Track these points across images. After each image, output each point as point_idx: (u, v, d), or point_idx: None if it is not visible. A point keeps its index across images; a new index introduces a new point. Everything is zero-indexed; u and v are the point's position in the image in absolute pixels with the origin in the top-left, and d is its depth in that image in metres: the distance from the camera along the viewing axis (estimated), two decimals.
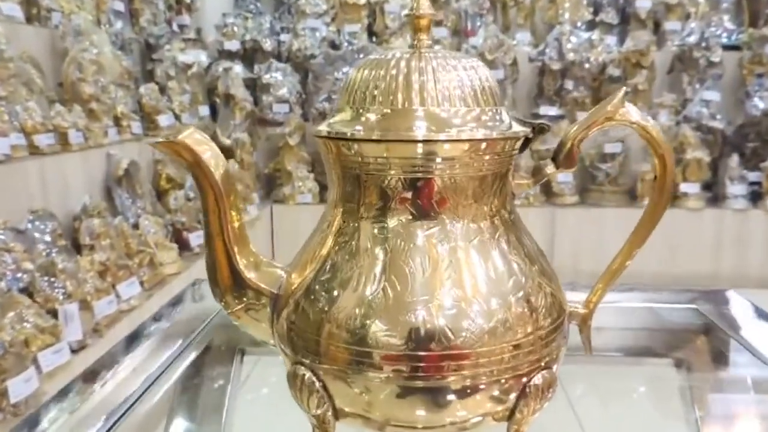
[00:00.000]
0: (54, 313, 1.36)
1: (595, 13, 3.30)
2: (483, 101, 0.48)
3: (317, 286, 0.47)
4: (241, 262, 0.48)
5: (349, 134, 0.46)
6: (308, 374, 0.46)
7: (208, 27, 3.32)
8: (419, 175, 0.46)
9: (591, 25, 3.28)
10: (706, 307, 0.71)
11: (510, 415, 0.48)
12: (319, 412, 0.47)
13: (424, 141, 0.45)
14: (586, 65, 3.09)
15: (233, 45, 3.18)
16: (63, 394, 0.69)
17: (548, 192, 2.94)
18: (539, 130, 0.49)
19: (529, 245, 0.50)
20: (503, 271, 0.47)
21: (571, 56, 3.08)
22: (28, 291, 1.36)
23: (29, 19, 2.11)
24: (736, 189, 2.82)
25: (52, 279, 1.38)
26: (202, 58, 3.10)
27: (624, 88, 0.51)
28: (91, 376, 0.73)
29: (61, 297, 1.37)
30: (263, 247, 2.75)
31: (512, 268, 0.47)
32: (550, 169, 0.51)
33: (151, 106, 2.38)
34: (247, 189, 2.67)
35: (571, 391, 0.66)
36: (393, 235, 0.46)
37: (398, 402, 0.45)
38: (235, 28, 3.22)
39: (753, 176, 2.85)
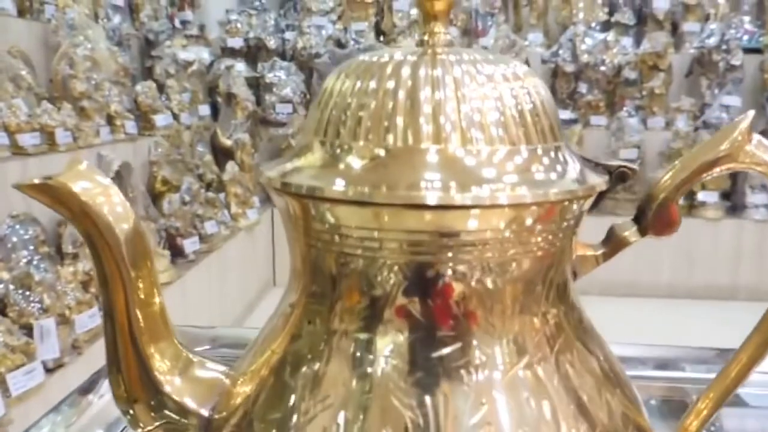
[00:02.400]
0: (29, 329, 1.27)
1: (611, 13, 3.20)
2: (536, 132, 0.30)
3: (261, 423, 0.30)
4: (160, 368, 0.32)
5: (310, 189, 0.29)
6: None
7: (212, 24, 3.23)
8: (428, 261, 0.28)
9: (606, 26, 3.18)
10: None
11: None
12: None
13: (438, 207, 0.27)
14: (601, 67, 2.98)
15: (236, 42, 3.10)
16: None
17: None
18: (619, 177, 0.33)
19: (602, 356, 0.33)
20: (568, 413, 0.29)
21: (585, 58, 2.98)
22: (2, 303, 1.27)
23: (21, 12, 2.03)
24: (756, 198, 2.71)
25: (28, 292, 1.29)
26: (205, 55, 3.01)
27: (751, 111, 0.34)
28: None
29: (36, 311, 1.28)
30: (263, 253, 2.65)
31: (581, 403, 0.30)
32: (632, 235, 0.34)
33: (147, 104, 2.28)
34: (247, 192, 2.58)
35: None
36: (384, 363, 0.29)
37: None
38: (239, 25, 3.14)
39: None
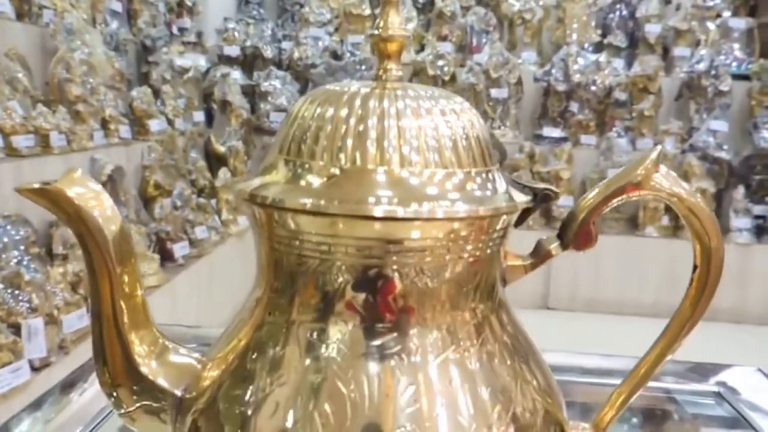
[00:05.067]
0: (17, 328, 1.29)
1: (604, 35, 3.25)
2: (468, 157, 0.35)
3: (229, 400, 0.34)
4: (139, 351, 0.36)
5: (275, 201, 0.33)
6: None
7: (209, 31, 3.26)
8: (374, 263, 0.33)
9: (599, 47, 3.23)
10: (729, 392, 0.61)
11: None
12: None
13: (383, 218, 0.32)
14: (592, 88, 3.03)
15: (233, 50, 3.13)
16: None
17: (548, 216, 2.87)
18: (542, 198, 0.37)
19: (524, 349, 0.38)
20: (487, 396, 0.34)
21: (577, 78, 3.02)
22: None
23: (20, 16, 2.05)
24: (740, 222, 2.75)
25: (17, 291, 1.30)
26: (201, 62, 3.04)
27: (659, 146, 0.39)
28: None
29: (25, 311, 1.29)
30: (253, 260, 2.66)
31: (500, 389, 0.35)
32: (555, 249, 0.38)
33: (142, 109, 2.31)
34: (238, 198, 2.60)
35: None
36: (333, 346, 0.33)
37: None
38: (236, 34, 3.17)
39: (758, 209, 2.78)
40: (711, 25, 3.13)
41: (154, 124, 2.34)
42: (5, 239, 1.49)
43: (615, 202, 0.38)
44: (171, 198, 2.21)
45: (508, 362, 0.36)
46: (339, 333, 0.34)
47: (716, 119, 2.93)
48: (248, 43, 3.15)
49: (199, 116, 2.84)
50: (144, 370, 0.36)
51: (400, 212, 0.32)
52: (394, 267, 0.33)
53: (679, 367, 0.64)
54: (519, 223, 0.37)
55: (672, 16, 3.18)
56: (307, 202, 0.33)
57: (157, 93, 2.54)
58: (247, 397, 0.34)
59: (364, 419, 0.32)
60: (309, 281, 0.34)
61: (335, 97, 0.36)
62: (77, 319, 1.45)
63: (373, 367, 0.33)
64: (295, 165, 0.35)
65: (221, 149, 2.76)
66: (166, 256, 2.04)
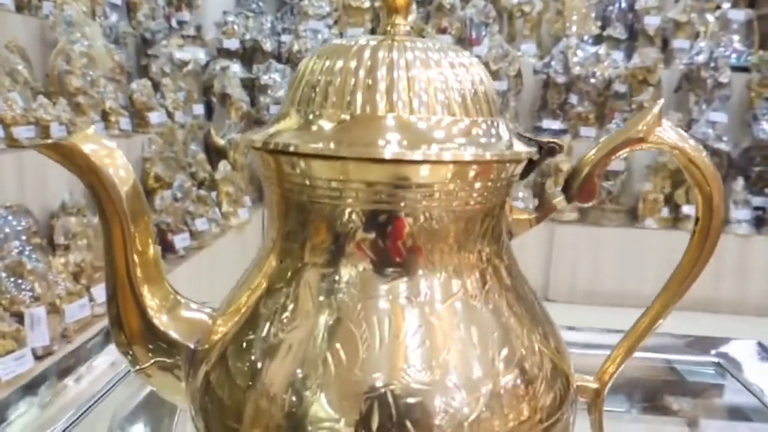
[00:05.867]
0: (20, 317, 1.29)
1: (603, 27, 3.24)
2: (475, 110, 0.35)
3: (241, 348, 0.35)
4: (151, 305, 0.37)
5: (286, 146, 0.34)
6: None
7: (208, 24, 3.26)
8: (384, 208, 0.34)
9: (598, 40, 3.22)
10: (728, 362, 0.63)
11: None
12: None
13: (393, 161, 0.33)
14: (592, 80, 3.03)
15: (233, 44, 3.12)
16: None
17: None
18: (548, 151, 0.38)
19: (528, 301, 0.39)
20: (493, 340, 0.35)
21: (576, 70, 3.02)
22: None
23: (19, 8, 2.05)
24: (739, 213, 2.76)
25: (20, 280, 1.31)
26: (201, 55, 3.03)
27: (661, 100, 0.40)
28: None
29: (28, 300, 1.30)
30: (253, 252, 2.67)
31: (505, 334, 0.35)
32: (560, 202, 0.39)
33: (142, 102, 2.31)
34: (239, 191, 2.60)
35: None
36: (344, 289, 0.34)
37: None
38: (236, 27, 3.16)
39: (758, 201, 2.79)
40: (710, 17, 3.13)
41: (154, 117, 2.34)
42: (6, 230, 1.49)
43: (619, 155, 0.38)
44: (171, 190, 2.21)
45: (515, 310, 0.37)
46: (349, 276, 0.34)
47: (715, 111, 2.93)
48: (247, 37, 3.15)
49: (199, 109, 2.84)
50: (157, 323, 0.37)
51: (409, 154, 0.33)
52: (403, 210, 0.34)
53: (681, 341, 0.65)
54: (524, 175, 0.38)
55: (671, 7, 3.18)
56: (318, 146, 0.33)
57: (156, 86, 2.53)
58: (259, 343, 0.35)
59: (375, 360, 0.33)
60: (319, 226, 0.35)
61: (344, 50, 0.36)
62: (79, 309, 1.45)
63: (384, 308, 0.34)
64: (305, 114, 0.35)
65: (221, 142, 2.77)
66: (166, 248, 2.05)
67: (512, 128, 0.38)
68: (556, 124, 3.04)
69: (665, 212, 2.82)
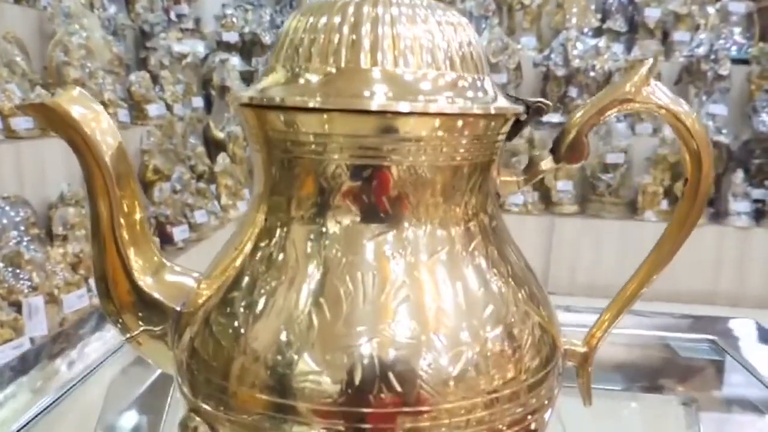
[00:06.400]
0: (18, 306, 1.29)
1: (603, 20, 3.24)
2: (462, 67, 0.35)
3: (228, 305, 0.35)
4: (136, 267, 0.36)
5: (272, 100, 0.33)
6: (203, 428, 0.34)
7: (207, 17, 3.25)
8: (369, 160, 0.33)
9: (598, 32, 3.21)
10: (723, 338, 0.63)
11: None
12: None
13: (379, 113, 0.32)
14: (592, 73, 3.02)
15: (232, 37, 3.11)
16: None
17: (547, 200, 2.87)
18: (535, 111, 0.38)
19: (516, 262, 0.38)
20: (478, 297, 0.35)
21: (576, 63, 3.01)
22: None
23: (17, 0, 2.04)
24: (739, 206, 2.75)
25: (18, 270, 1.31)
26: (199, 48, 3.03)
27: (650, 59, 0.39)
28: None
29: (26, 289, 1.30)
30: None
31: (491, 292, 0.35)
32: (547, 163, 0.39)
33: (141, 94, 2.30)
34: (238, 184, 2.60)
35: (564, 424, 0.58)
36: (330, 242, 0.34)
37: None
38: (235, 20, 3.15)
39: (757, 193, 2.78)
40: (711, 9, 3.12)
41: (153, 109, 2.34)
42: (4, 220, 1.49)
43: (607, 115, 0.38)
44: (170, 182, 2.20)
45: (501, 269, 0.37)
46: (335, 231, 0.34)
47: (715, 103, 2.93)
48: (246, 30, 3.14)
49: (198, 102, 2.83)
50: (143, 285, 0.37)
51: (395, 105, 0.32)
52: (389, 164, 0.34)
53: (677, 320, 0.65)
54: (511, 136, 0.38)
55: (671, 0, 3.17)
56: (303, 99, 0.33)
57: (155, 78, 2.53)
58: (243, 300, 0.35)
59: (359, 314, 0.33)
60: (305, 182, 0.35)
61: (328, 6, 0.36)
62: (77, 299, 1.45)
63: (369, 263, 0.34)
64: (291, 69, 0.35)
65: (220, 135, 2.76)
66: (165, 240, 2.05)
67: (499, 87, 0.38)
68: (555, 117, 3.03)
69: (665, 205, 2.82)
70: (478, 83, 0.36)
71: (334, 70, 0.34)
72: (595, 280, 2.77)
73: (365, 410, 0.32)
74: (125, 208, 0.36)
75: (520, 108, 0.37)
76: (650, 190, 2.82)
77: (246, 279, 0.36)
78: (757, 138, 2.85)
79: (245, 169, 2.74)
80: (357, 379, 0.32)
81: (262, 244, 0.36)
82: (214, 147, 2.72)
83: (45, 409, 0.60)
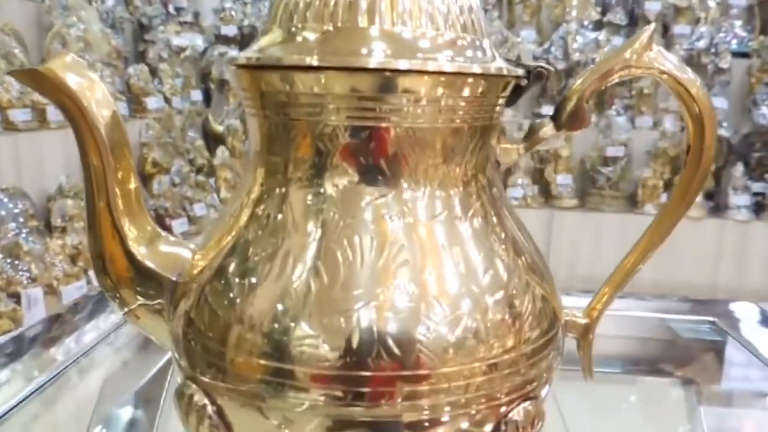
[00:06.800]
0: (17, 297, 1.29)
1: (603, 13, 3.22)
2: (461, 28, 0.35)
3: (224, 273, 0.34)
4: (131, 236, 0.36)
5: (270, 60, 0.33)
6: (198, 396, 0.34)
7: (206, 11, 3.24)
8: (368, 121, 0.33)
9: (598, 25, 3.20)
10: (723, 320, 0.63)
11: None
12: None
13: (377, 70, 0.32)
14: (592, 66, 3.01)
15: (230, 30, 3.10)
16: None
17: (547, 194, 2.87)
18: (536, 76, 0.38)
19: (516, 231, 0.38)
20: (478, 262, 0.34)
21: (576, 56, 3.00)
22: None
23: None
24: (739, 199, 2.75)
25: (16, 261, 1.30)
26: (198, 42, 3.02)
27: (652, 25, 0.39)
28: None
29: (24, 280, 1.30)
30: None
31: (491, 258, 0.34)
32: (548, 131, 0.39)
33: (140, 87, 2.30)
34: (237, 177, 2.59)
35: (563, 413, 0.58)
36: (327, 205, 0.33)
37: None
38: (233, 13, 3.14)
39: (757, 187, 2.78)
40: (711, 3, 3.11)
41: (152, 102, 2.33)
42: (3, 212, 1.49)
43: (609, 81, 0.38)
44: (169, 175, 2.20)
45: (502, 236, 0.36)
46: (332, 194, 0.34)
47: (716, 97, 2.92)
48: (245, 23, 3.13)
49: (197, 95, 2.82)
50: (136, 254, 0.36)
51: (393, 63, 0.32)
52: (388, 125, 0.33)
53: (678, 303, 0.65)
54: (511, 102, 0.38)
55: None
56: (300, 57, 0.33)
57: (154, 71, 2.52)
58: (240, 266, 0.34)
59: (357, 278, 0.32)
60: (302, 144, 0.34)
61: None
62: (76, 291, 1.45)
63: (367, 226, 0.33)
64: (287, 29, 0.35)
65: (219, 128, 2.75)
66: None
67: (499, 53, 0.38)
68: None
69: (665, 198, 2.82)
70: (478, 43, 0.36)
71: (331, 28, 0.34)
72: (594, 273, 2.76)
73: (363, 374, 0.31)
74: (120, 177, 0.36)
75: (520, 71, 0.37)
76: (650, 183, 2.82)
77: (242, 245, 0.35)
78: (758, 131, 2.84)
79: (244, 163, 2.73)
80: (355, 343, 0.31)
81: (258, 210, 0.36)
82: (213, 140, 2.71)
83: (39, 389, 0.60)
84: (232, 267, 0.35)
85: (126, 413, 0.65)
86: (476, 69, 0.34)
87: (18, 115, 1.66)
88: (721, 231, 2.73)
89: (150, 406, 0.65)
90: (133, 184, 0.36)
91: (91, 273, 1.56)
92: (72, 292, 1.43)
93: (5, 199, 1.50)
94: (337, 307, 0.32)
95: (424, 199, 0.34)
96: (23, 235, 1.47)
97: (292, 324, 0.32)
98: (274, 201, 0.35)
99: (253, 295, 0.33)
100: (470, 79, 0.34)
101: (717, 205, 2.80)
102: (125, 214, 0.36)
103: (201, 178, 2.37)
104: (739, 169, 2.77)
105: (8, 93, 1.67)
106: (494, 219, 0.37)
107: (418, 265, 0.33)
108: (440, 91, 0.33)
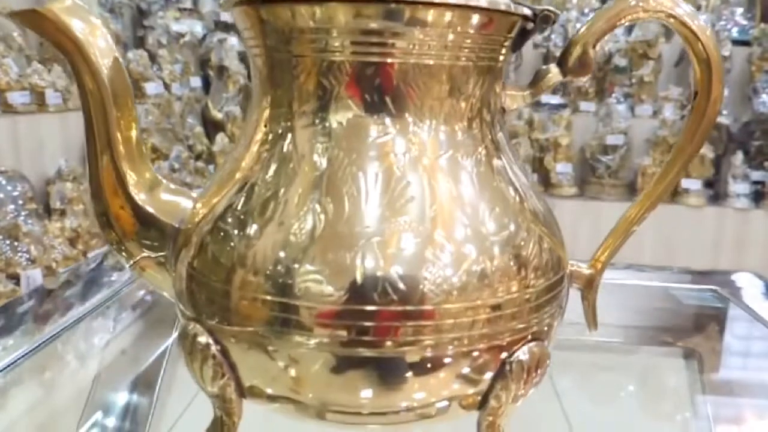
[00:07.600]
0: (16, 278, 1.29)
1: (603, 1, 3.22)
2: None
3: (228, 215, 0.34)
4: (133, 182, 0.36)
5: None
6: (202, 336, 0.34)
7: None
8: (372, 57, 0.32)
9: None
10: (725, 289, 0.63)
11: (482, 402, 0.35)
12: (215, 388, 0.35)
13: (381, 1, 0.31)
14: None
15: (230, 16, 3.09)
16: None
17: (547, 182, 2.87)
18: (543, 19, 0.37)
19: (522, 176, 0.38)
20: (484, 202, 0.34)
21: None
22: None
23: None
24: (738, 187, 2.75)
25: (16, 242, 1.30)
26: (197, 28, 3.00)
27: None
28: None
29: (24, 262, 1.29)
30: None
31: (497, 199, 0.34)
32: (554, 76, 0.38)
33: (139, 72, 2.29)
34: None
35: (560, 385, 0.58)
36: (332, 141, 0.33)
37: (333, 379, 0.32)
38: None
39: (757, 175, 2.78)
40: None
41: (151, 88, 2.32)
42: (1, 194, 1.48)
43: (616, 26, 0.38)
44: (168, 161, 2.19)
45: (508, 180, 0.36)
46: (338, 130, 0.34)
47: None
48: None
49: (196, 82, 2.81)
50: (137, 199, 0.36)
51: None
52: (393, 60, 0.33)
53: (680, 273, 0.65)
54: (517, 47, 0.37)
55: None
56: None
57: (153, 57, 2.51)
58: (246, 204, 0.34)
59: (362, 213, 0.32)
60: (305, 81, 0.34)
61: None
62: None
63: (373, 162, 0.33)
64: None
65: (218, 115, 2.75)
66: None
67: None
68: (555, 99, 3.02)
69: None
70: None
71: None
72: None
73: (368, 308, 0.31)
74: (121, 124, 0.36)
75: (527, 10, 0.36)
76: (650, 171, 2.81)
77: (246, 185, 0.35)
78: (758, 119, 2.84)
79: (247, 109, 2.72)
80: (359, 279, 0.31)
81: (263, 150, 0.35)
82: (212, 127, 2.70)
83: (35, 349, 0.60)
84: (236, 207, 0.34)
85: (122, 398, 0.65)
86: (483, 3, 0.33)
87: (17, 98, 1.66)
88: (721, 219, 2.73)
89: (147, 392, 0.65)
90: (134, 131, 0.36)
91: (90, 256, 1.56)
92: None
93: (4, 182, 1.50)
94: (342, 243, 0.32)
95: (429, 136, 0.34)
96: (22, 218, 1.46)
97: (297, 261, 0.32)
98: (279, 140, 0.35)
99: (258, 234, 0.33)
100: (477, 14, 0.34)
101: (716, 194, 2.80)
102: (126, 159, 0.36)
103: (200, 164, 2.37)
104: (738, 157, 2.76)
105: (7, 75, 1.66)
106: (499, 162, 0.36)
107: (423, 202, 0.33)
108: (446, 24, 0.33)
